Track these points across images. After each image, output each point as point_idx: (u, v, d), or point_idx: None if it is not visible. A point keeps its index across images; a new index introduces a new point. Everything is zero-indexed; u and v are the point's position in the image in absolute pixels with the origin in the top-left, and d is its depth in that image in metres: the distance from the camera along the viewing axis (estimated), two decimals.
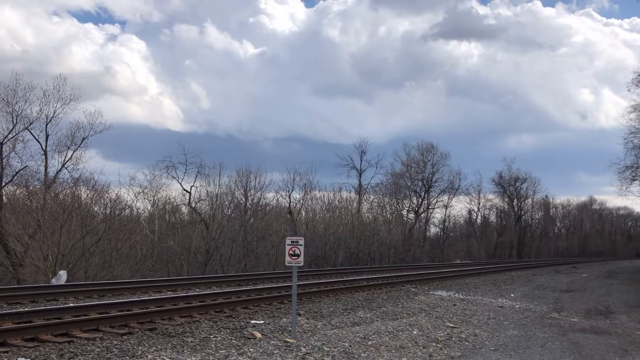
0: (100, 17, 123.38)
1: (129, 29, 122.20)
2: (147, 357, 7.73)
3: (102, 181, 28.95)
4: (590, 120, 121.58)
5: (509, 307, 15.24)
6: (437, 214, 56.98)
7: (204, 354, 8.05)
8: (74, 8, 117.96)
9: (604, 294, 20.81)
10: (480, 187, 63.92)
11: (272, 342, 9.01)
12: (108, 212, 27.74)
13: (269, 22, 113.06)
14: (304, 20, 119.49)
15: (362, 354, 8.47)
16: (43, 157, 28.11)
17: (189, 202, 35.00)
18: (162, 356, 7.78)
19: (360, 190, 49.44)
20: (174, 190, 35.51)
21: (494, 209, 69.31)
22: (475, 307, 14.84)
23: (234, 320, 11.06)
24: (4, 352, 7.70)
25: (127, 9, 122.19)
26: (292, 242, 9.66)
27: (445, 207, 56.61)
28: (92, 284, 16.91)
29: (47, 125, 28.11)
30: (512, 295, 18.72)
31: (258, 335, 9.54)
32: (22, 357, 7.49)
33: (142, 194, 32.67)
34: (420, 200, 53.86)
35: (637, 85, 30.77)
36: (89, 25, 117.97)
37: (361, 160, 50.51)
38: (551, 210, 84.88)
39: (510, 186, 68.24)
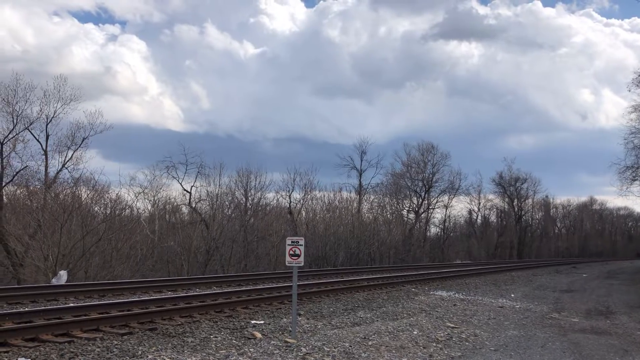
0: (100, 17, 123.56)
1: (129, 29, 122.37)
2: (147, 357, 7.73)
3: (103, 181, 29.01)
4: (590, 121, 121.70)
5: (510, 308, 15.24)
6: (438, 214, 57.06)
7: (204, 354, 8.06)
8: (74, 8, 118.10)
9: (604, 294, 20.81)
10: (480, 187, 63.99)
11: (272, 342, 9.01)
12: (108, 212, 27.77)
13: (269, 23, 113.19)
14: (304, 21, 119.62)
15: (363, 354, 8.47)
16: (43, 157, 28.18)
17: (189, 202, 35.04)
18: (162, 356, 7.79)
19: (360, 190, 49.48)
20: (174, 190, 35.58)
21: (495, 209, 69.40)
22: (476, 307, 14.84)
23: (234, 320, 11.06)
24: (5, 352, 7.71)
25: (128, 9, 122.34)
26: (292, 242, 9.66)
27: (446, 207, 56.67)
28: (93, 284, 16.91)
29: (47, 125, 28.20)
30: (512, 295, 18.72)
31: (258, 335, 9.54)
32: (22, 357, 7.49)
33: (142, 194, 32.73)
34: (421, 200, 53.87)
35: (638, 86, 30.81)
36: (90, 26, 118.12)
37: (361, 161, 50.59)
38: (551, 211, 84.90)
39: (510, 186, 68.29)
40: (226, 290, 15.41)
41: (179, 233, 29.71)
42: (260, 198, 36.85)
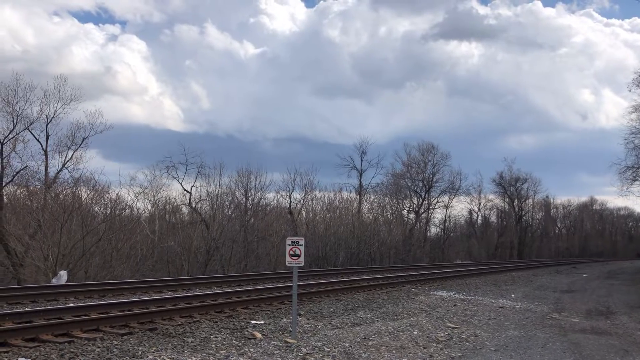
0: (100, 17, 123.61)
1: (129, 29, 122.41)
2: (147, 357, 7.73)
3: (103, 181, 28.98)
4: (590, 121, 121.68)
5: (510, 308, 15.23)
6: (438, 214, 57.07)
7: (205, 354, 8.05)
8: (74, 8, 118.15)
9: (604, 294, 20.80)
10: (480, 187, 64.03)
11: (272, 342, 9.01)
12: (108, 212, 27.76)
13: (269, 23, 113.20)
14: (304, 21, 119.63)
15: (363, 355, 8.47)
16: (43, 157, 28.17)
17: (190, 202, 35.03)
18: (162, 356, 7.78)
19: (360, 190, 49.48)
20: (175, 190, 35.55)
21: (495, 210, 69.42)
22: (476, 308, 14.83)
23: (234, 320, 11.06)
24: (5, 352, 7.70)
25: (128, 9, 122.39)
26: (292, 242, 9.66)
27: (446, 207, 56.69)
28: (93, 284, 16.91)
29: (47, 125, 28.19)
30: (512, 295, 18.71)
31: (258, 335, 9.53)
32: (22, 357, 7.49)
33: (142, 194, 32.70)
34: (421, 200, 53.88)
35: (638, 86, 30.81)
36: (90, 26, 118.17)
37: (362, 161, 50.60)
38: (552, 211, 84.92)
39: (510, 186, 68.31)
40: (226, 291, 15.40)
41: (179, 233, 29.70)
42: (261, 198, 36.87)
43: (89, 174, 28.10)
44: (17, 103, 26.92)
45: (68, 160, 28.47)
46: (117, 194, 29.89)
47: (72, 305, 11.74)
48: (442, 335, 10.42)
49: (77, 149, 28.68)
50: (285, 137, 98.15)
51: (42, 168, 28.11)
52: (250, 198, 36.21)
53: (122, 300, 12.51)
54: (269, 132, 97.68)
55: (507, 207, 69.15)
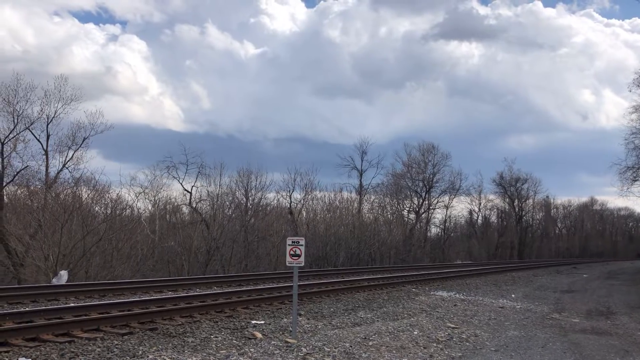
0: (101, 17, 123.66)
1: (129, 29, 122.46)
2: (147, 357, 7.74)
3: (103, 181, 29.00)
4: (591, 121, 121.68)
5: (510, 308, 15.23)
6: (438, 215, 57.07)
7: (205, 354, 8.06)
8: (74, 8, 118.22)
9: (604, 294, 20.80)
10: (481, 187, 64.04)
11: (272, 342, 9.01)
12: (109, 212, 27.77)
13: (269, 23, 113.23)
14: (304, 21, 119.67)
15: (363, 355, 8.47)
16: (44, 157, 28.19)
17: (190, 202, 35.04)
18: (162, 356, 7.79)
19: (361, 190, 49.47)
20: (175, 190, 35.57)
21: (495, 210, 69.42)
22: (476, 308, 14.83)
23: (234, 320, 11.06)
24: (5, 351, 7.71)
25: (128, 9, 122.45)
26: (293, 242, 9.66)
27: (446, 207, 56.69)
28: (93, 284, 16.92)
29: (48, 125, 28.21)
30: (513, 295, 18.71)
31: (259, 335, 9.54)
32: (23, 356, 7.49)
33: (142, 194, 32.70)
34: (421, 200, 53.88)
35: (638, 86, 30.82)
36: (90, 26, 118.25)
37: (362, 161, 50.59)
38: (552, 211, 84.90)
39: (511, 187, 68.31)
40: (227, 290, 15.41)
41: (179, 233, 29.71)
42: (261, 198, 36.85)
43: (90, 174, 28.18)
44: (17, 103, 26.99)
45: (68, 160, 28.54)
46: (117, 194, 29.95)
47: (72, 305, 11.74)
48: (443, 335, 10.43)
49: (78, 149, 28.75)
50: (286, 137, 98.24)
51: (43, 168, 28.16)
52: (250, 198, 36.22)
53: (123, 300, 12.52)
54: (269, 132, 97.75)
55: (507, 207, 69.18)
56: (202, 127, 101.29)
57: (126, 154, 73.71)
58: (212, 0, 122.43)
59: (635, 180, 32.52)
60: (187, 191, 34.92)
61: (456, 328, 11.31)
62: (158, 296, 14.09)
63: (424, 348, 9.24)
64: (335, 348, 8.75)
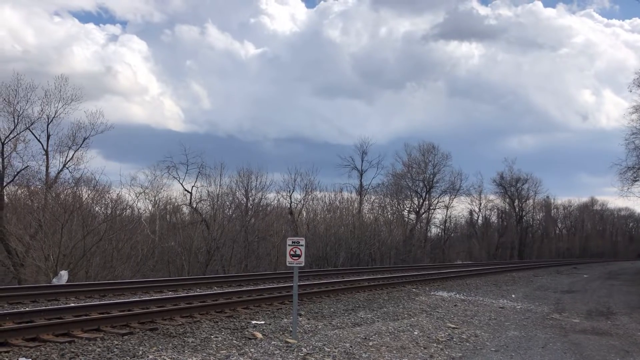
0: (101, 17, 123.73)
1: (130, 29, 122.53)
2: (148, 357, 7.73)
3: (103, 181, 29.04)
4: (591, 121, 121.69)
5: (510, 308, 15.23)
6: (438, 215, 57.09)
7: (205, 354, 8.06)
8: (75, 8, 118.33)
9: (605, 295, 20.79)
10: (481, 187, 64.07)
11: (273, 342, 9.01)
12: (109, 212, 27.80)
13: (269, 23, 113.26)
14: (304, 21, 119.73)
15: (363, 355, 8.47)
16: (44, 157, 28.22)
17: (190, 202, 35.05)
18: (163, 356, 7.79)
19: (361, 190, 49.47)
20: (175, 190, 35.59)
21: (495, 210, 69.43)
22: (477, 308, 14.83)
23: (234, 320, 11.06)
24: (5, 352, 7.71)
25: (128, 10, 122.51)
26: (293, 242, 9.66)
27: (447, 207, 56.71)
28: (93, 284, 16.92)
29: (48, 125, 28.25)
30: (513, 296, 18.71)
31: (259, 335, 9.54)
32: (23, 357, 7.49)
33: (143, 194, 32.72)
34: (422, 200, 53.88)
35: (638, 86, 30.83)
36: (90, 26, 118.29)
37: (362, 161, 50.59)
38: (552, 211, 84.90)
39: (511, 187, 68.33)
40: (227, 291, 15.41)
41: (179, 233, 29.71)
42: (261, 198, 36.87)
43: (90, 174, 28.20)
44: (18, 103, 27.02)
45: (69, 160, 28.57)
46: (117, 194, 29.97)
47: (72, 305, 11.75)
48: (443, 335, 10.42)
49: (78, 149, 28.79)
50: (286, 137, 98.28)
51: (43, 168, 28.18)
52: (250, 198, 36.23)
53: (123, 300, 12.52)
54: (269, 133, 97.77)
55: (507, 207, 69.19)
56: (202, 127, 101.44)
57: (126, 154, 73.81)
58: (212, 1, 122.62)
59: (636, 181, 32.57)
60: (188, 191, 34.98)
61: (456, 328, 11.30)
62: (158, 296, 14.09)
63: (424, 348, 9.24)
64: (335, 348, 8.75)
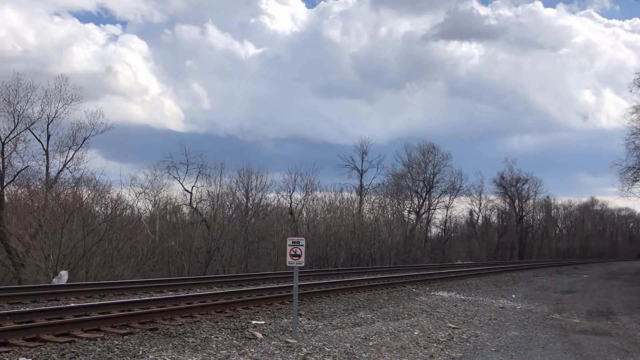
0: (101, 17, 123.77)
1: (130, 30, 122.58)
2: (148, 357, 7.73)
3: (104, 181, 29.11)
4: (591, 121, 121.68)
5: (510, 308, 15.23)
6: (439, 215, 57.12)
7: (205, 354, 8.06)
8: (75, 8, 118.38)
9: (605, 295, 20.78)
10: (481, 187, 64.11)
11: (273, 342, 9.01)
12: (109, 212, 27.79)
13: (270, 23, 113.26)
14: (304, 21, 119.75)
15: (363, 355, 8.47)
16: (44, 157, 28.21)
17: (190, 202, 35.06)
18: (163, 356, 7.79)
19: (361, 190, 49.48)
20: (175, 190, 35.59)
21: (495, 210, 69.44)
22: (477, 308, 14.83)
23: (235, 320, 11.06)
24: (6, 352, 7.71)
25: (128, 10, 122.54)
26: (293, 242, 9.66)
27: (447, 207, 56.73)
28: (93, 284, 16.92)
29: (48, 125, 28.23)
30: (513, 296, 18.71)
31: (259, 335, 9.54)
32: (23, 357, 7.49)
33: (143, 194, 32.71)
34: (422, 200, 53.89)
35: (639, 86, 30.83)
36: (90, 26, 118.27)
37: (362, 161, 50.61)
38: (552, 211, 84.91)
39: (511, 187, 68.35)
40: (227, 291, 15.41)
41: (179, 233, 29.71)
42: (261, 198, 36.88)
43: (90, 174, 28.21)
44: (18, 103, 27.00)
45: (69, 160, 28.57)
46: (117, 194, 29.95)
47: (72, 305, 11.75)
48: (443, 335, 10.42)
49: (78, 149, 28.79)
50: (286, 137, 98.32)
51: (43, 168, 28.18)
52: (251, 198, 36.24)
53: (123, 300, 12.52)
54: (269, 133, 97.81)
55: (507, 207, 69.21)
56: (203, 127, 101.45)
57: (126, 154, 73.86)
58: (212, 1, 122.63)
59: (636, 181, 32.58)
60: (188, 191, 35.00)
61: (456, 328, 11.30)
62: (158, 296, 14.09)
63: (425, 348, 9.23)
64: (335, 348, 8.75)
